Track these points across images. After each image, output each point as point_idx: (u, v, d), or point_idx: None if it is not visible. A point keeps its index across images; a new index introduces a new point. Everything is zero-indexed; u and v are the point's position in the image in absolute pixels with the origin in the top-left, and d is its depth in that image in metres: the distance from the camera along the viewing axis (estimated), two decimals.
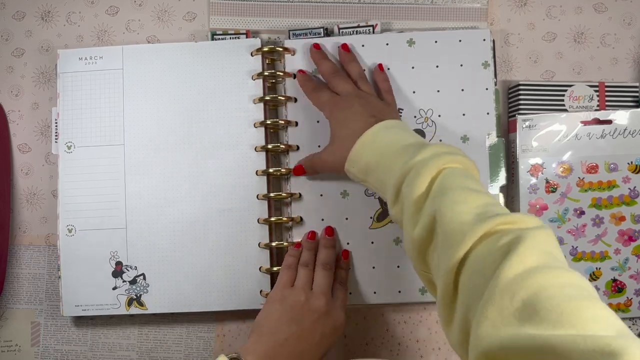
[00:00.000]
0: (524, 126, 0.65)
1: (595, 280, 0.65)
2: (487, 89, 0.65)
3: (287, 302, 0.58)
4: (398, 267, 0.65)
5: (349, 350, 0.67)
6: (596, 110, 0.66)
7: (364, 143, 0.55)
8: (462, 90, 0.65)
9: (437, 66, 0.65)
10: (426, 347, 0.67)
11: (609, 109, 0.66)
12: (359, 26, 0.67)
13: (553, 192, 0.65)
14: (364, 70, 0.64)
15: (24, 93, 0.69)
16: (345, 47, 0.64)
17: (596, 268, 0.65)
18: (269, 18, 0.69)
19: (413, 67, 0.65)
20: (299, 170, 0.64)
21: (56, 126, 0.66)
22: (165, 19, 0.69)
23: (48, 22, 0.70)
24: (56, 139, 0.66)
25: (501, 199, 0.66)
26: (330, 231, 0.64)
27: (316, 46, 0.64)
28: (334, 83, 0.62)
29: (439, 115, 0.65)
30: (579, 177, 0.65)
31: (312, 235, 0.64)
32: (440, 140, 0.65)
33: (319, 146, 0.65)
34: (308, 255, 0.62)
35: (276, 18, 0.69)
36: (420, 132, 0.65)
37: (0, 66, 0.69)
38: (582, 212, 0.65)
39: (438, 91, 0.65)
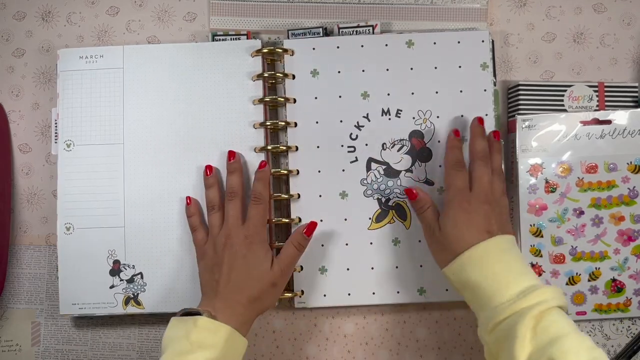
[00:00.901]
0: (523, 126, 0.65)
1: (594, 280, 0.65)
2: (485, 90, 0.65)
3: (207, 256, 0.59)
4: (397, 267, 0.65)
5: (348, 350, 0.67)
6: (595, 110, 0.66)
7: (472, 258, 0.54)
8: (461, 91, 0.65)
9: (435, 67, 0.65)
10: (426, 347, 0.67)
11: (608, 109, 0.66)
12: (358, 26, 0.67)
13: (552, 192, 0.65)
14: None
15: (25, 93, 0.69)
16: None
17: (595, 268, 0.65)
18: (268, 18, 0.69)
19: (412, 68, 0.66)
20: (412, 195, 0.61)
21: (56, 127, 0.66)
22: (165, 19, 0.70)
23: (48, 22, 0.70)
24: (56, 139, 0.66)
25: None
26: (231, 155, 0.63)
27: (480, 120, 0.63)
28: (476, 168, 0.59)
29: (438, 117, 0.65)
30: (579, 177, 0.65)
31: (210, 168, 0.63)
32: (439, 142, 0.65)
33: (318, 147, 0.65)
34: (211, 195, 0.62)
35: (276, 18, 0.69)
36: (419, 134, 0.65)
37: (1, 66, 0.70)
38: (582, 212, 0.65)
39: (437, 92, 0.65)
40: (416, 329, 0.67)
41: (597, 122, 0.65)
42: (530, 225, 0.65)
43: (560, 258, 0.65)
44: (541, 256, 0.65)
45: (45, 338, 0.67)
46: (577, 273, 0.65)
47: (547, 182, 0.65)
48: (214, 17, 0.69)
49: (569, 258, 0.65)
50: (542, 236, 0.65)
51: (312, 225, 0.61)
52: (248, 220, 0.60)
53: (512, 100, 0.68)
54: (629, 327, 0.67)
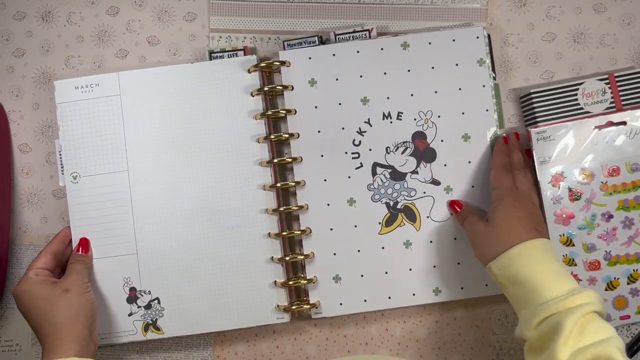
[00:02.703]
0: (538, 139, 0.65)
1: (633, 282, 0.64)
2: (484, 86, 0.65)
3: None
4: (410, 270, 0.65)
5: (348, 350, 0.67)
6: (611, 103, 0.65)
7: (521, 254, 0.55)
8: (460, 89, 0.65)
9: (432, 67, 0.66)
10: (426, 347, 0.67)
11: (623, 101, 0.65)
12: (354, 31, 0.67)
13: (577, 199, 0.65)
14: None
15: (25, 93, 0.69)
16: (517, 136, 0.66)
17: (633, 270, 0.64)
18: (268, 18, 0.69)
19: (409, 70, 0.66)
20: (456, 205, 0.65)
21: (60, 158, 0.66)
22: (165, 19, 0.70)
23: (48, 22, 0.70)
24: (62, 170, 0.66)
25: None
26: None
27: (505, 140, 0.65)
28: (520, 175, 0.62)
29: (439, 116, 0.65)
30: (602, 182, 0.65)
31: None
32: (442, 141, 0.65)
33: (322, 156, 0.65)
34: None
35: (276, 18, 0.69)
36: (422, 135, 0.65)
37: (1, 66, 0.70)
38: (611, 216, 0.65)
39: (436, 92, 0.65)
40: (416, 329, 0.67)
41: (612, 124, 0.65)
42: (560, 236, 0.65)
43: (596, 264, 0.64)
44: (575, 265, 0.64)
45: None
46: (615, 277, 0.64)
47: (570, 190, 0.65)
48: (214, 17, 0.69)
49: (604, 263, 0.64)
50: (573, 245, 0.65)
51: (84, 241, 0.65)
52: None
53: (526, 109, 0.67)
54: (629, 327, 0.67)
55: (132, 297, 0.64)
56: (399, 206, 0.65)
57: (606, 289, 0.65)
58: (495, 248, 0.57)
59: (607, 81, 0.66)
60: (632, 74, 0.66)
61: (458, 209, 0.64)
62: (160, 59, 0.69)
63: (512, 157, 0.64)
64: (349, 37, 0.67)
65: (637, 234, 0.65)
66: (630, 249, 0.65)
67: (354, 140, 0.65)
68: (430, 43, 0.66)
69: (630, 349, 0.66)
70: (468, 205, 0.64)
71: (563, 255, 0.65)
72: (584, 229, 0.65)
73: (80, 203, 0.65)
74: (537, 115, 0.66)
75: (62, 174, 0.66)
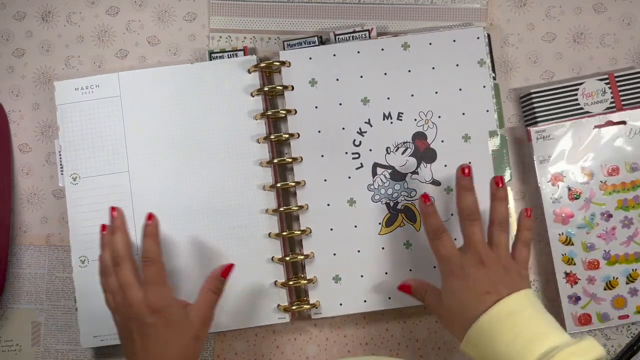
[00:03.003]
0: (538, 138, 0.65)
1: (632, 282, 0.65)
2: (484, 86, 0.65)
3: (119, 325, 0.55)
4: (410, 270, 0.65)
5: (348, 350, 0.67)
6: (611, 103, 0.66)
7: (480, 330, 0.50)
8: (460, 89, 0.65)
9: (433, 68, 0.66)
10: (426, 347, 0.67)
11: (623, 101, 0.65)
12: (354, 31, 0.67)
13: (577, 199, 0.65)
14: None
15: (25, 93, 0.69)
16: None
17: (632, 270, 0.65)
18: (268, 18, 0.69)
19: (410, 71, 0.66)
20: (405, 289, 0.60)
21: (60, 158, 0.66)
22: (165, 19, 0.70)
23: (48, 22, 0.70)
24: (61, 171, 0.66)
25: (510, 194, 0.65)
26: (112, 211, 0.59)
27: (464, 171, 0.57)
28: (465, 227, 0.55)
29: (439, 117, 0.65)
30: (601, 181, 0.65)
31: (104, 228, 0.59)
32: (443, 141, 0.65)
33: (322, 156, 0.65)
34: (105, 257, 0.57)
35: (276, 18, 0.69)
36: (422, 135, 0.65)
37: (1, 66, 0.70)
38: (610, 215, 0.65)
39: (436, 92, 0.65)
40: (416, 329, 0.67)
41: (612, 124, 0.65)
42: (559, 235, 0.65)
43: (595, 264, 0.65)
44: (574, 264, 0.65)
45: (45, 338, 0.67)
46: (614, 277, 0.65)
47: (569, 189, 0.65)
48: (214, 17, 0.69)
49: (603, 263, 0.65)
50: (572, 244, 0.65)
51: (229, 267, 0.58)
52: (145, 284, 0.54)
53: (527, 109, 0.67)
54: (629, 327, 0.67)
55: None
56: (399, 206, 0.65)
57: (605, 289, 0.65)
58: (460, 331, 0.52)
59: (607, 81, 0.66)
60: (632, 74, 0.66)
61: (409, 292, 0.59)
62: (160, 59, 0.69)
63: (461, 204, 0.56)
64: (349, 37, 0.67)
65: (636, 233, 0.65)
66: (629, 249, 0.65)
67: (354, 140, 0.65)
68: (430, 43, 0.66)
69: (630, 349, 0.66)
70: (420, 284, 0.59)
71: (562, 255, 0.65)
72: (583, 228, 0.65)
73: (79, 204, 0.65)
74: (537, 115, 0.66)
75: (62, 174, 0.66)
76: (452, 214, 0.65)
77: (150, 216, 0.57)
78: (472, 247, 0.54)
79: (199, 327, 0.55)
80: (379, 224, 0.65)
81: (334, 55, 0.66)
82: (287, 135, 0.65)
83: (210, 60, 0.67)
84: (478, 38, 0.66)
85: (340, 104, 0.65)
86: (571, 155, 0.65)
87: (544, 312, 0.51)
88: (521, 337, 0.48)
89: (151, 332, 0.53)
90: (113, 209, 0.59)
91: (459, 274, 0.53)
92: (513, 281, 0.53)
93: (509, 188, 0.65)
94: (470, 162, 0.64)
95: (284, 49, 0.67)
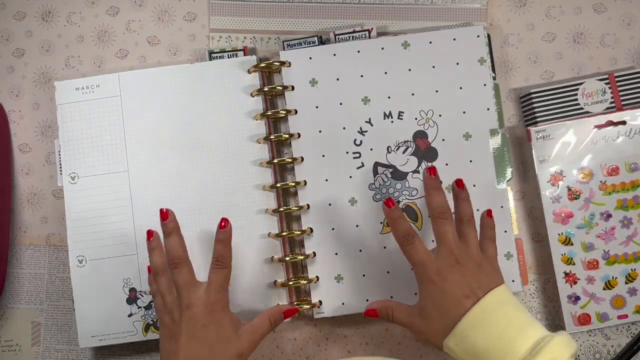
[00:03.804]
0: (537, 137, 0.65)
1: (632, 282, 0.65)
2: (485, 85, 0.65)
3: (165, 325, 0.55)
4: (412, 269, 0.65)
5: (348, 350, 0.67)
6: (611, 103, 0.66)
7: (470, 323, 0.50)
8: (461, 88, 0.65)
9: (433, 66, 0.66)
10: (426, 347, 0.67)
11: (623, 101, 0.65)
12: (354, 31, 0.67)
13: (576, 198, 0.65)
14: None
15: (25, 93, 0.69)
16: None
17: (631, 269, 0.65)
18: (268, 18, 0.69)
19: (410, 70, 0.66)
20: (371, 313, 0.59)
21: (60, 158, 0.66)
22: (165, 19, 0.70)
23: (48, 22, 0.70)
24: (61, 170, 0.66)
25: (510, 194, 0.65)
26: (164, 214, 0.57)
27: (431, 171, 0.57)
28: (436, 226, 0.55)
29: (440, 115, 0.65)
30: (601, 181, 0.65)
31: (151, 233, 0.59)
32: (443, 140, 0.65)
33: (323, 156, 0.65)
34: (154, 259, 0.58)
35: (276, 18, 0.69)
36: (423, 134, 0.65)
37: (1, 66, 0.70)
38: (609, 215, 0.65)
39: (437, 91, 0.65)
40: None
41: (612, 124, 0.65)
42: (559, 235, 0.65)
43: (594, 264, 0.65)
44: (574, 264, 0.65)
45: (45, 338, 0.67)
46: (613, 277, 0.65)
47: (569, 189, 0.65)
48: (214, 17, 0.69)
49: (602, 263, 0.65)
50: (572, 244, 0.65)
51: (293, 311, 0.59)
52: (209, 286, 0.55)
53: (526, 109, 0.67)
54: (628, 326, 0.67)
55: (132, 298, 0.64)
56: (400, 205, 0.65)
57: (604, 288, 0.65)
58: (439, 330, 0.52)
59: (607, 81, 0.66)
60: (632, 74, 0.66)
61: (377, 314, 0.58)
62: (160, 59, 0.70)
63: (431, 203, 0.56)
64: (349, 37, 0.67)
65: (635, 233, 0.65)
66: (629, 249, 0.65)
67: (355, 140, 0.65)
68: (430, 42, 0.66)
69: (630, 349, 0.66)
70: (382, 302, 0.59)
71: (561, 255, 0.65)
72: (582, 228, 0.65)
73: (78, 203, 0.65)
74: (537, 115, 0.66)
75: (61, 174, 0.66)
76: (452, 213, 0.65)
77: (225, 221, 0.57)
78: (446, 245, 0.54)
79: (245, 345, 0.54)
80: (380, 223, 0.65)
81: (334, 55, 0.66)
82: (287, 136, 0.65)
83: (210, 60, 0.67)
84: (478, 36, 0.66)
85: (341, 104, 0.65)
86: (571, 155, 0.65)
87: (516, 308, 0.52)
88: (513, 324, 0.50)
89: (200, 335, 0.53)
90: (165, 211, 0.57)
91: (435, 279, 0.53)
92: (488, 278, 0.53)
93: (508, 188, 0.65)
94: (471, 161, 0.65)
95: (284, 49, 0.67)
